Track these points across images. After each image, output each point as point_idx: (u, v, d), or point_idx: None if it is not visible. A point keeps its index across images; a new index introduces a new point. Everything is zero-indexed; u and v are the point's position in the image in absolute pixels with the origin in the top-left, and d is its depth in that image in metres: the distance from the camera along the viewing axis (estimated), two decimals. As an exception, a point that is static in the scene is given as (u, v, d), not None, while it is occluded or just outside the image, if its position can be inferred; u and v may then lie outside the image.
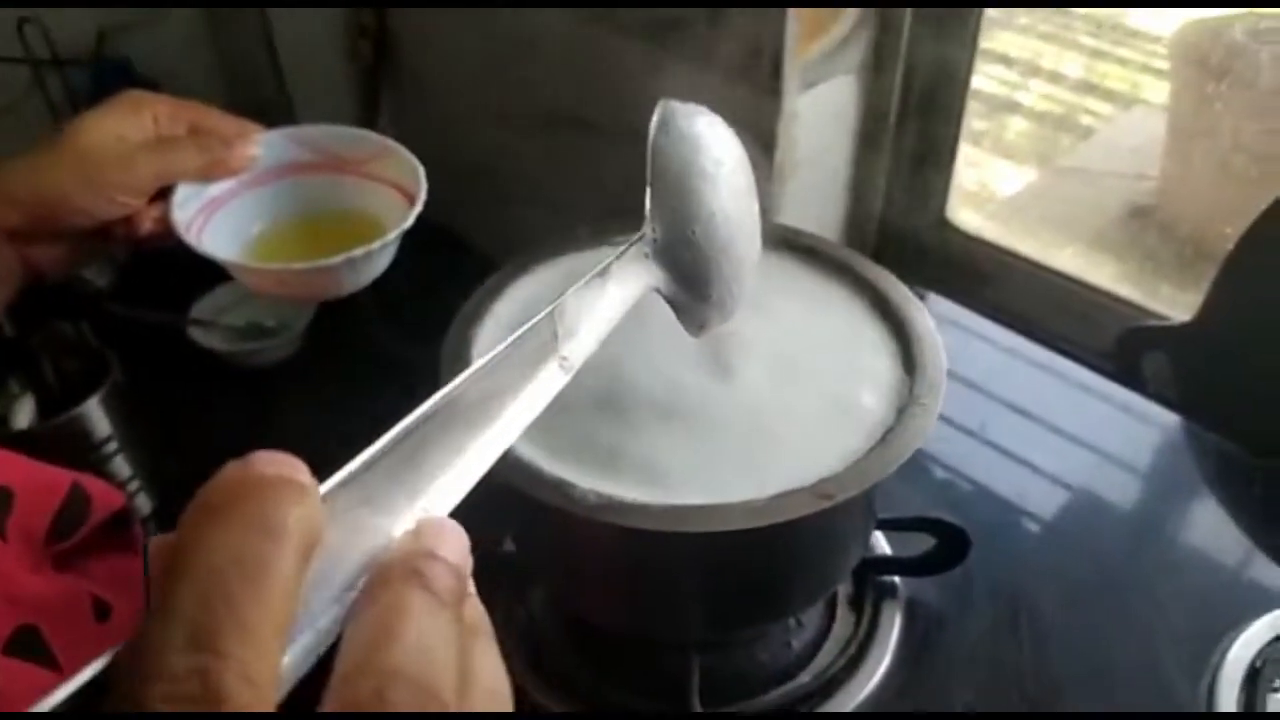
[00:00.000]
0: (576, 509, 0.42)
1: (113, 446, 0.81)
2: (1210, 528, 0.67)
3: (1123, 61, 1.15)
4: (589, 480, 0.44)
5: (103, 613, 0.49)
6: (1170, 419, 0.76)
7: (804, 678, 0.56)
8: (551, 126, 1.00)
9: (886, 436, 0.45)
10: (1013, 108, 1.15)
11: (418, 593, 0.24)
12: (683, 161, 0.43)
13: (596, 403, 0.48)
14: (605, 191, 0.98)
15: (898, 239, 0.95)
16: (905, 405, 0.47)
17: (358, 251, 0.59)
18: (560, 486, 0.43)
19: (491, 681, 0.26)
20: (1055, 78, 1.15)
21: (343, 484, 0.26)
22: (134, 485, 0.84)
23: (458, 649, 0.24)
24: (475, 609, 0.27)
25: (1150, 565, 0.65)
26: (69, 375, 0.83)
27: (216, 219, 0.65)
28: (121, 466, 0.83)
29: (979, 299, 0.94)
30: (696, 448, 0.45)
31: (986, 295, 0.92)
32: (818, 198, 0.91)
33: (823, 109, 0.85)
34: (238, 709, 0.19)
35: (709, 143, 0.44)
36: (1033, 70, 1.11)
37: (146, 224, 0.60)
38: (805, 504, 0.42)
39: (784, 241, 0.56)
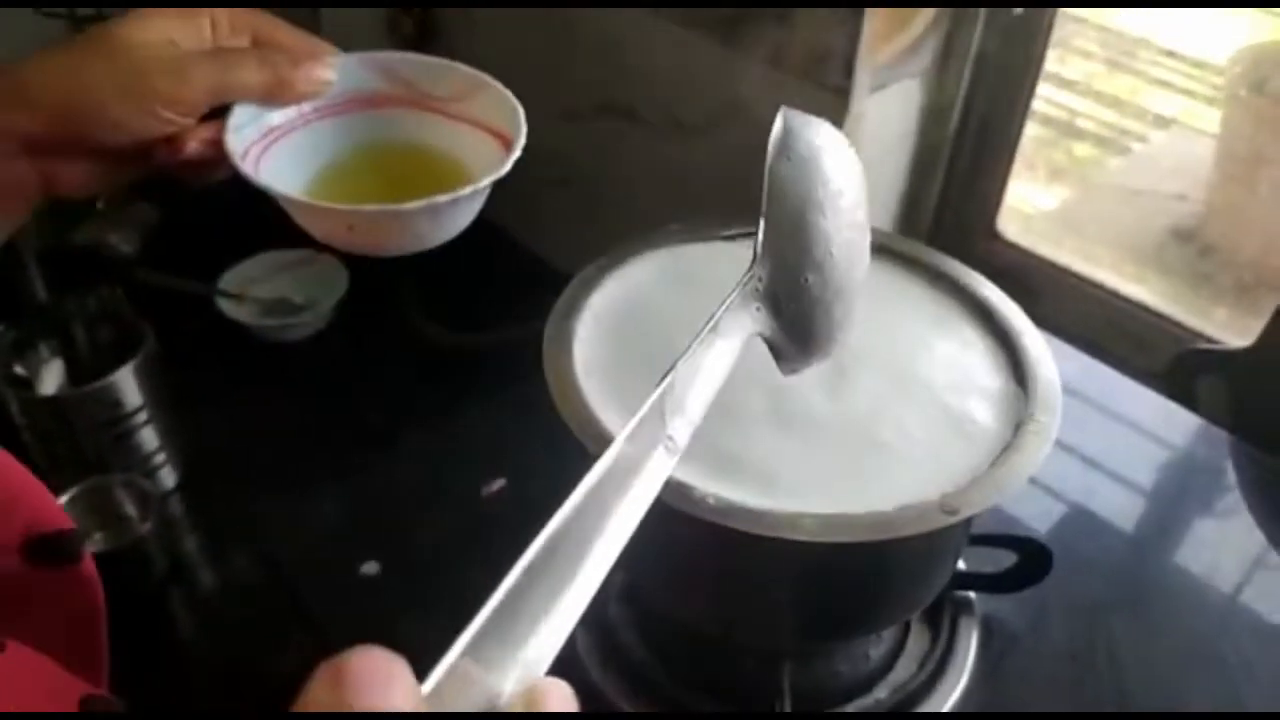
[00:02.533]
0: (699, 512, 0.41)
1: (142, 417, 0.78)
2: (1276, 561, 0.67)
3: (1165, 84, 1.15)
4: (705, 483, 0.42)
5: None
6: (1221, 444, 0.75)
7: (880, 692, 0.55)
8: (602, 119, 0.98)
9: (1005, 453, 0.44)
10: (1050, 122, 1.14)
11: None
12: (802, 192, 0.41)
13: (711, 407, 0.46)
14: (657, 187, 0.96)
15: (948, 248, 0.94)
16: (1022, 421, 0.46)
17: (442, 198, 0.49)
18: (677, 488, 0.42)
19: None
20: (1099, 96, 1.15)
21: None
22: (160, 458, 0.82)
23: None
24: None
25: (1223, 603, 0.64)
26: (100, 342, 0.80)
27: (277, 149, 0.56)
28: (149, 437, 0.80)
29: (1029, 313, 0.93)
30: (811, 456, 0.44)
31: (1036, 310, 0.91)
32: (876, 198, 0.89)
33: (888, 112, 0.84)
34: None
35: (831, 170, 0.42)
36: (1082, 90, 1.11)
37: (193, 145, 0.49)
38: (931, 519, 0.41)
39: (883, 248, 0.55)
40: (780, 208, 0.40)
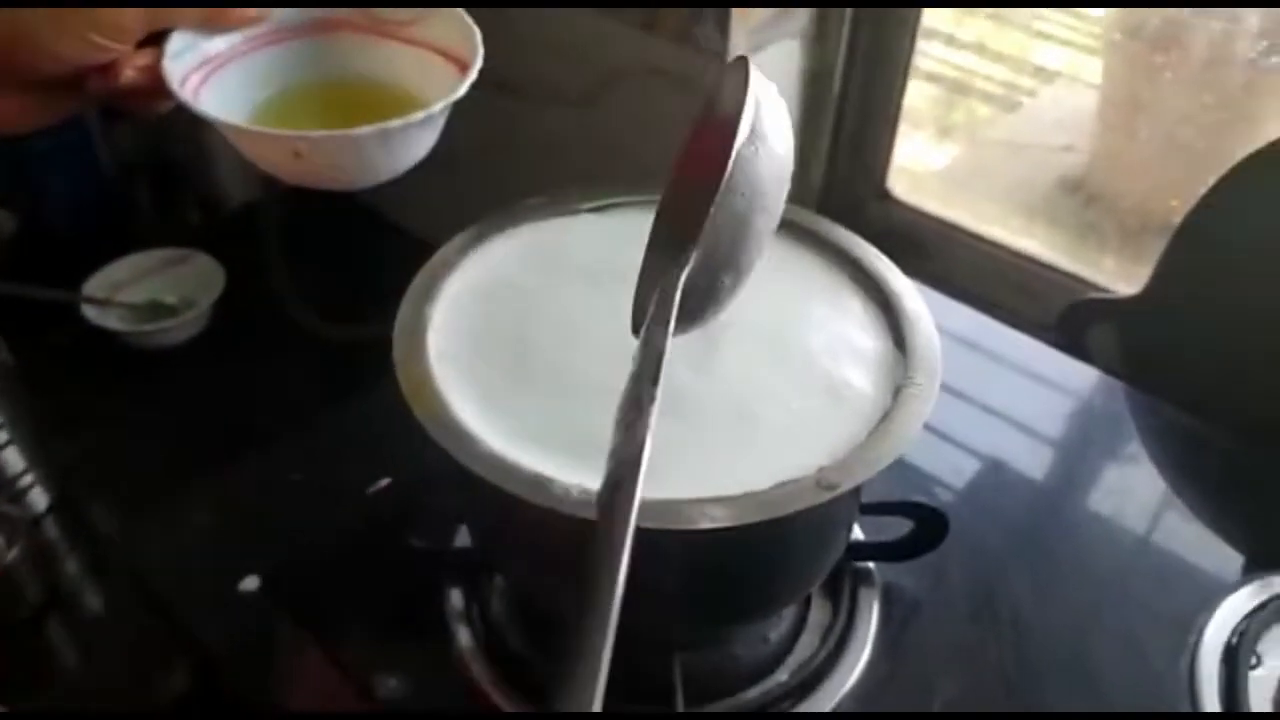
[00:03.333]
0: (558, 506, 0.38)
1: (2, 438, 0.74)
2: (1173, 506, 0.67)
3: (1046, 36, 1.15)
4: (564, 473, 0.40)
5: None
6: (1116, 393, 0.76)
7: (782, 674, 0.53)
8: (482, 93, 0.94)
9: (884, 421, 0.43)
10: (936, 79, 1.14)
11: None
12: (757, 188, 0.38)
13: (564, 386, 0.44)
14: (528, 159, 0.94)
15: (838, 210, 0.93)
16: (901, 386, 0.44)
17: (394, 123, 0.47)
18: (537, 482, 0.39)
19: None
20: (981, 50, 1.15)
21: None
22: (27, 479, 0.77)
23: None
24: None
25: (1121, 551, 0.64)
26: (-53, 361, 0.75)
27: (219, 78, 0.53)
28: (13, 459, 0.76)
29: (921, 272, 0.93)
30: (680, 435, 0.42)
31: (928, 268, 0.91)
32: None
33: (768, 73, 0.82)
34: None
35: (784, 159, 0.39)
36: (959, 44, 1.10)
37: (129, 73, 0.47)
38: (809, 495, 0.39)
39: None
40: (733, 202, 0.38)
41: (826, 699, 0.52)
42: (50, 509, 0.80)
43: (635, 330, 0.43)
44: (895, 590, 0.58)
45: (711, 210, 0.37)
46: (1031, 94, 1.16)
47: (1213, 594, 0.58)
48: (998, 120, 1.17)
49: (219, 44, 0.51)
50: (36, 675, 0.70)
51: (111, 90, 0.47)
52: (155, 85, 0.47)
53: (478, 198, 1.01)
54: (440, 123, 0.51)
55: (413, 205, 1.09)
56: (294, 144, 0.48)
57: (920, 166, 1.05)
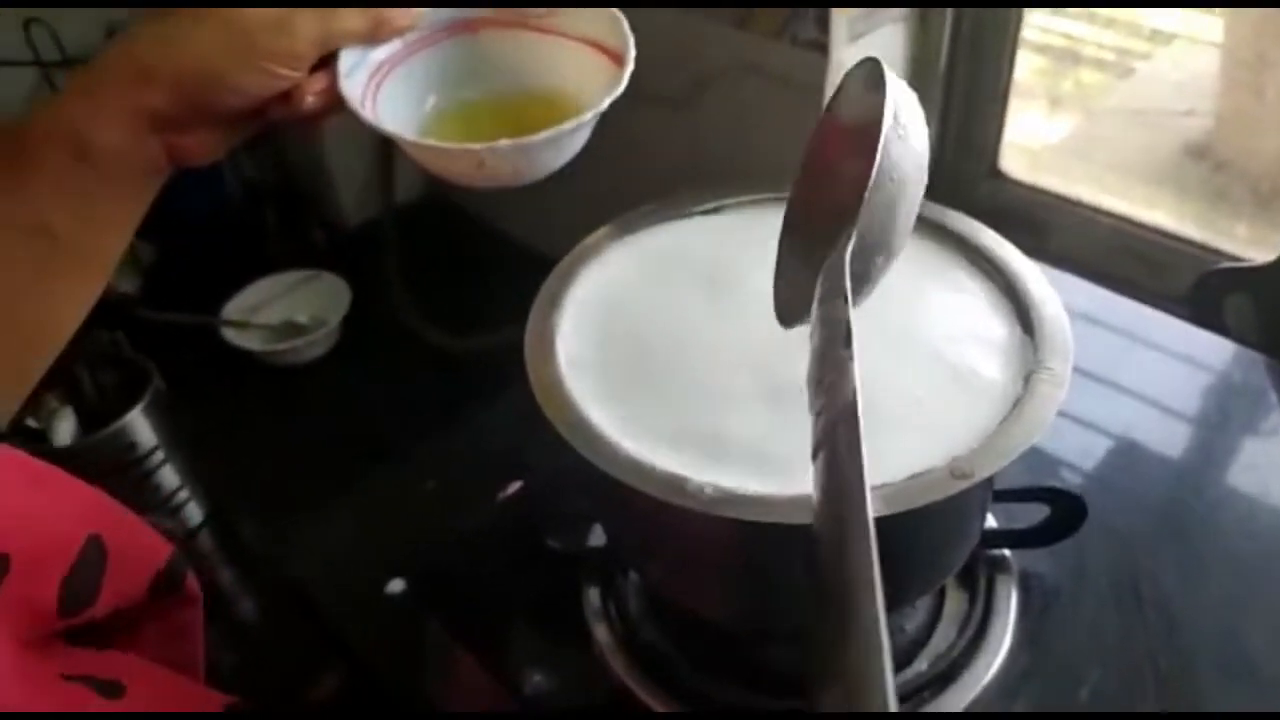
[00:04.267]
0: (694, 504, 0.39)
1: (159, 457, 0.78)
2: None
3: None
4: (699, 472, 0.41)
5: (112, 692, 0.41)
6: (1257, 365, 0.72)
7: (921, 664, 0.53)
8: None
9: (1017, 407, 0.42)
10: (1044, 50, 1.11)
11: None
12: (905, 174, 0.40)
13: (689, 388, 0.45)
14: (631, 163, 0.95)
15: (950, 192, 0.92)
16: (1032, 371, 0.44)
17: (567, 125, 0.49)
18: (673, 481, 0.40)
19: None
20: (1091, 17, 1.11)
21: None
22: (183, 495, 0.82)
23: None
24: None
25: (1267, 524, 0.61)
26: (107, 387, 0.80)
27: (387, 88, 0.55)
28: (169, 477, 0.80)
29: (1041, 251, 0.90)
30: (805, 429, 0.42)
31: (1048, 246, 0.89)
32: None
33: (872, 61, 0.81)
34: None
35: (920, 149, 0.41)
36: (1066, 11, 1.07)
37: (309, 98, 0.49)
38: (942, 486, 0.39)
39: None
40: (883, 188, 0.39)
41: (967, 689, 0.52)
42: (204, 522, 0.85)
43: (783, 321, 0.44)
44: (1033, 578, 0.57)
45: (866, 194, 0.38)
46: (1146, 58, 1.12)
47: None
48: (1112, 88, 1.13)
49: (382, 53, 0.54)
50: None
51: (294, 116, 0.49)
52: (331, 105, 0.50)
53: (585, 206, 1.02)
54: (597, 119, 0.52)
55: (523, 217, 1.11)
56: (479, 156, 0.50)
57: (1035, 141, 1.02)
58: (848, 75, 0.44)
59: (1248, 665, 0.53)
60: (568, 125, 0.49)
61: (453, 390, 0.94)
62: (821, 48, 0.77)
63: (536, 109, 0.52)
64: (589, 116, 0.49)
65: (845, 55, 0.77)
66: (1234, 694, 0.52)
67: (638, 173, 0.94)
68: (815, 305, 0.39)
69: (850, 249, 0.39)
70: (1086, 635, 0.55)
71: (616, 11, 0.54)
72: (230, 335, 0.98)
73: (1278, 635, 0.55)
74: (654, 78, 0.89)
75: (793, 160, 0.81)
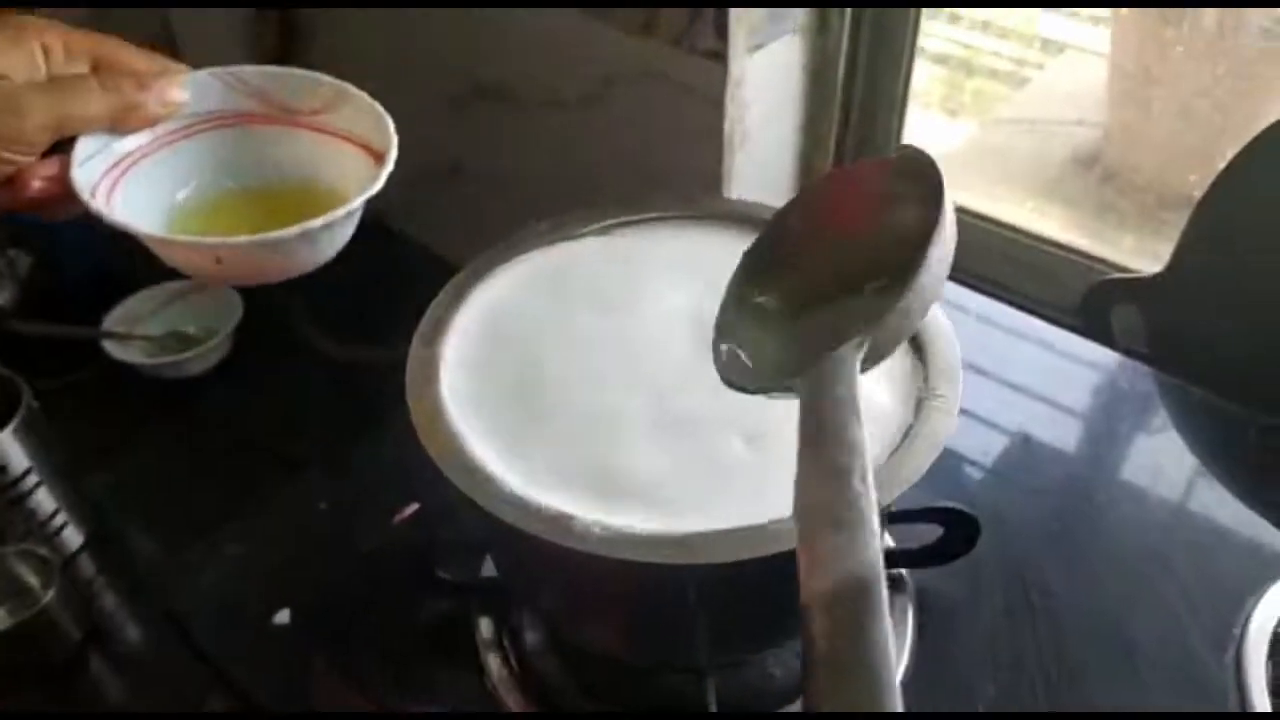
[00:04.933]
0: (581, 545, 0.38)
1: (32, 480, 0.74)
2: (1208, 487, 0.66)
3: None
4: (587, 509, 0.40)
5: None
6: (1144, 375, 0.74)
7: (818, 686, 0.53)
8: (482, 103, 0.94)
9: (908, 437, 0.42)
10: (942, 60, 1.13)
11: None
12: (938, 278, 0.39)
13: (578, 418, 0.44)
14: (532, 168, 0.93)
15: (850, 203, 0.92)
16: (922, 397, 0.44)
17: (315, 222, 0.47)
18: (559, 520, 0.39)
19: None
20: (986, 27, 1.13)
21: None
22: (59, 519, 0.78)
23: None
24: None
25: (1157, 532, 0.63)
26: (-28, 407, 0.75)
27: (131, 179, 0.52)
28: (44, 500, 0.76)
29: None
30: (698, 464, 0.41)
31: (945, 256, 0.90)
32: (768, 164, 0.87)
33: (770, 74, 0.81)
34: None
35: (948, 262, 0.40)
36: (963, 21, 1.09)
37: (36, 184, 0.46)
38: (833, 520, 0.38)
39: (758, 220, 0.52)
40: (922, 290, 0.38)
41: (865, 710, 0.52)
42: (84, 546, 0.81)
43: (731, 382, 0.42)
44: (929, 594, 0.57)
45: (901, 302, 0.37)
46: (1040, 68, 1.14)
47: (1256, 578, 0.58)
48: (1008, 98, 1.15)
49: (129, 144, 0.50)
50: (84, 711, 0.71)
51: (18, 203, 0.46)
52: (64, 193, 0.46)
53: (485, 207, 1.01)
54: (358, 214, 0.50)
55: (423, 219, 1.09)
56: (215, 252, 0.47)
57: (931, 150, 1.03)
58: (902, 149, 0.42)
59: (1133, 665, 0.55)
60: (315, 222, 0.46)
61: (350, 406, 0.91)
62: (719, 56, 0.76)
63: (290, 206, 0.50)
64: (341, 213, 0.47)
65: (743, 65, 0.77)
66: (1121, 696, 0.54)
67: (542, 174, 0.93)
68: (808, 398, 0.36)
69: (863, 353, 0.37)
70: (981, 648, 0.55)
71: (382, 111, 0.53)
72: (112, 348, 0.93)
73: (1164, 640, 0.57)
74: (556, 80, 0.88)
75: (698, 168, 0.81)
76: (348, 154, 0.55)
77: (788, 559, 0.37)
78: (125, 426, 0.93)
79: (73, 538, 0.80)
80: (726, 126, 0.78)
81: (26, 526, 0.75)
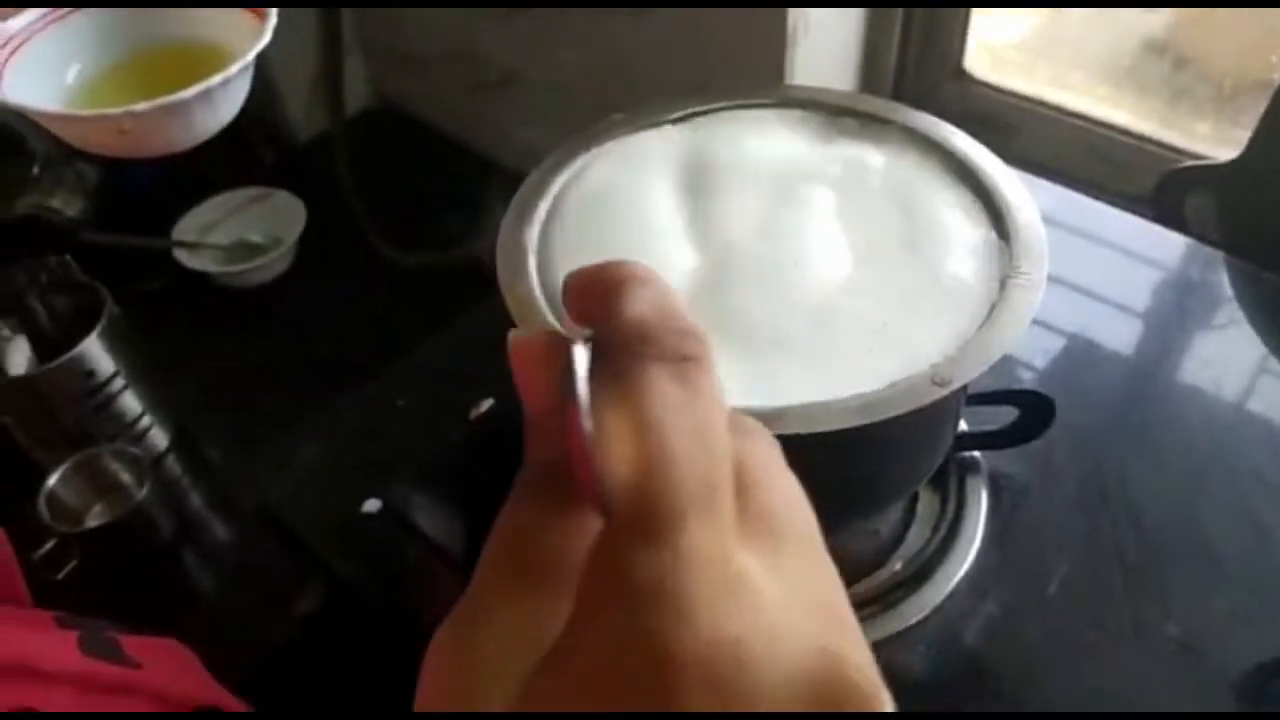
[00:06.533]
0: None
1: (119, 384, 0.77)
2: (1271, 369, 0.66)
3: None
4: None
5: None
6: (1216, 263, 0.73)
7: (895, 564, 0.54)
8: (525, 9, 0.93)
9: (993, 312, 0.42)
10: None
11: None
12: None
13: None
14: (588, 72, 0.93)
15: (915, 94, 0.91)
16: (1007, 275, 0.44)
17: (214, 80, 0.47)
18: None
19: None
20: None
21: None
22: (146, 421, 0.81)
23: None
24: None
25: (1222, 414, 0.63)
26: (60, 313, 0.78)
27: (19, 62, 0.52)
28: (131, 403, 0.79)
29: (1005, 150, 0.90)
30: (788, 339, 0.42)
31: (1012, 146, 0.89)
32: (831, 57, 0.86)
33: (835, -39, 0.80)
34: None
35: None
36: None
37: None
38: (923, 393, 0.39)
39: (845, 109, 0.52)
40: None
41: (940, 587, 0.53)
42: (170, 447, 0.84)
43: None
44: (1002, 477, 0.58)
45: None
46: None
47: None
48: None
49: (15, 24, 0.51)
50: (175, 602, 0.75)
51: None
52: None
53: (542, 115, 1.00)
54: (250, 74, 0.50)
55: (479, 125, 1.09)
56: (119, 122, 0.48)
57: (998, 40, 1.01)
58: None
59: (1209, 553, 0.55)
60: (214, 80, 0.47)
61: (417, 309, 0.92)
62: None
63: (178, 73, 0.49)
64: (235, 69, 0.47)
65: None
66: (1196, 582, 0.54)
67: (599, 80, 0.92)
68: None
69: None
70: (1055, 531, 0.56)
71: None
72: (183, 257, 0.95)
73: (1236, 520, 0.57)
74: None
75: (758, 62, 0.80)
76: (229, 17, 0.55)
77: (876, 430, 0.39)
78: (201, 332, 0.96)
79: (159, 438, 0.83)
80: (790, 16, 0.77)
81: (116, 428, 0.78)
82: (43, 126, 0.52)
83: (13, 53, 0.51)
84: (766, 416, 0.39)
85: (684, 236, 0.46)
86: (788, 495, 0.23)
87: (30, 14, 0.51)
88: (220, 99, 0.49)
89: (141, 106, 0.46)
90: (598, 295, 0.23)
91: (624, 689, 0.18)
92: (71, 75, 0.55)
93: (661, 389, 0.20)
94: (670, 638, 0.18)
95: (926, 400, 0.39)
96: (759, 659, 0.18)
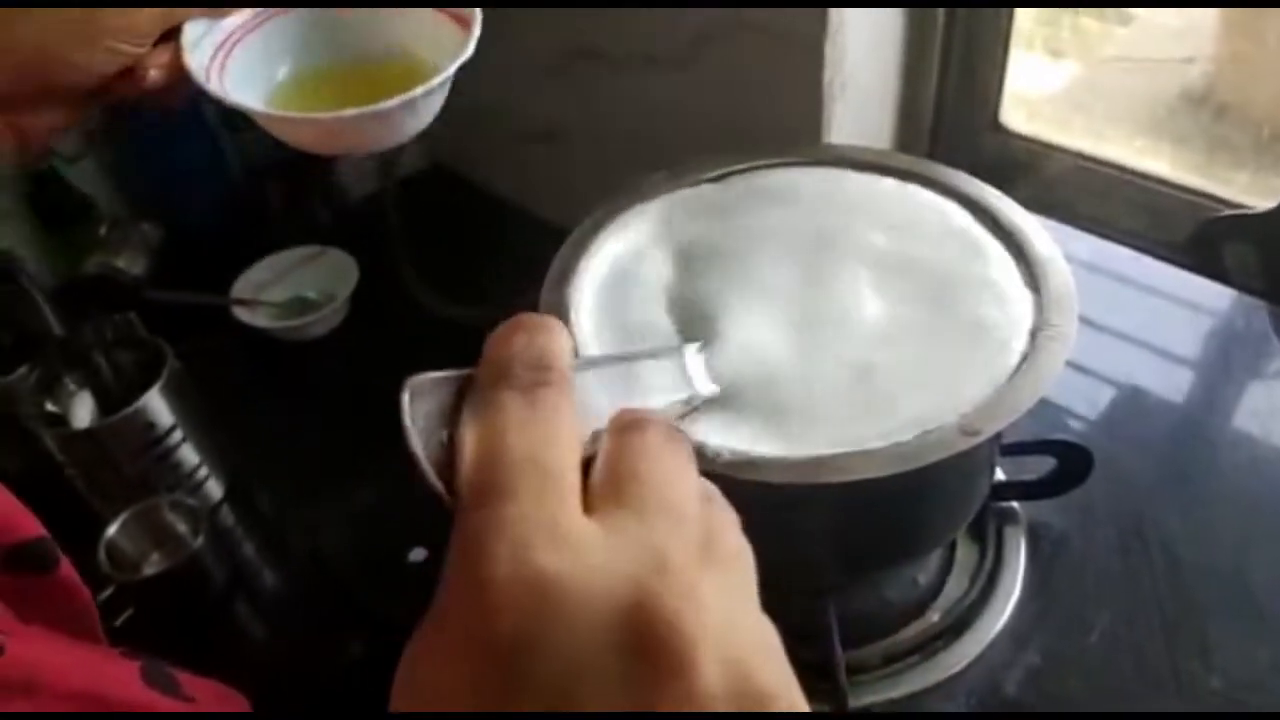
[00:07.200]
0: (710, 467, 0.40)
1: (178, 436, 0.79)
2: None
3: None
4: (713, 436, 0.42)
5: None
6: (1259, 312, 0.73)
7: (933, 615, 0.54)
8: (567, 61, 0.96)
9: (1024, 363, 0.43)
10: (1045, -1, 1.10)
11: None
12: None
13: (702, 345, 0.46)
14: (629, 129, 0.95)
15: (951, 147, 0.92)
16: (1038, 328, 0.45)
17: (418, 90, 0.49)
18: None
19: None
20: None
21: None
22: (203, 472, 0.83)
23: None
24: None
25: (1271, 467, 0.63)
26: (123, 368, 0.81)
27: (237, 59, 0.54)
28: (188, 455, 0.81)
29: (1042, 202, 0.91)
30: (820, 387, 0.43)
31: (1049, 197, 0.89)
32: (868, 112, 0.87)
33: (869, 15, 0.81)
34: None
35: None
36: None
37: (153, 74, 0.48)
38: (953, 442, 0.40)
39: (880, 166, 0.53)
40: None
41: (980, 638, 0.53)
42: (225, 498, 0.86)
43: None
44: (1041, 527, 0.58)
45: None
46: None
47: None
48: (1111, 35, 1.12)
49: (230, 23, 0.53)
50: (226, 648, 0.76)
51: (138, 92, 0.48)
52: (178, 79, 0.49)
53: (585, 171, 1.02)
54: (450, 82, 0.52)
55: (525, 183, 1.12)
56: (329, 125, 0.50)
57: (1035, 92, 1.02)
58: None
59: (1253, 604, 0.55)
60: (418, 90, 0.49)
61: (464, 360, 0.94)
62: (820, 5, 0.77)
63: (390, 75, 0.52)
64: (438, 81, 0.49)
65: (844, 15, 0.77)
66: (1240, 633, 0.54)
67: (641, 136, 0.94)
68: None
69: None
70: (1095, 581, 0.56)
71: None
72: (240, 314, 0.98)
73: (1276, 569, 0.56)
74: (650, 39, 0.89)
75: (796, 120, 0.81)
76: (435, 21, 0.55)
77: (907, 479, 0.40)
78: (256, 386, 0.98)
79: (214, 489, 0.85)
80: (826, 74, 0.78)
81: (174, 478, 0.80)
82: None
83: (231, 50, 0.53)
84: (798, 466, 0.40)
85: (719, 295, 0.48)
86: (655, 478, 0.26)
87: (241, 14, 0.53)
88: (422, 106, 0.52)
89: (350, 113, 0.49)
90: (491, 341, 0.29)
91: (460, 621, 0.24)
92: (280, 74, 0.57)
93: (509, 408, 0.26)
94: (484, 570, 0.23)
95: (957, 450, 0.40)
96: (571, 588, 0.22)
